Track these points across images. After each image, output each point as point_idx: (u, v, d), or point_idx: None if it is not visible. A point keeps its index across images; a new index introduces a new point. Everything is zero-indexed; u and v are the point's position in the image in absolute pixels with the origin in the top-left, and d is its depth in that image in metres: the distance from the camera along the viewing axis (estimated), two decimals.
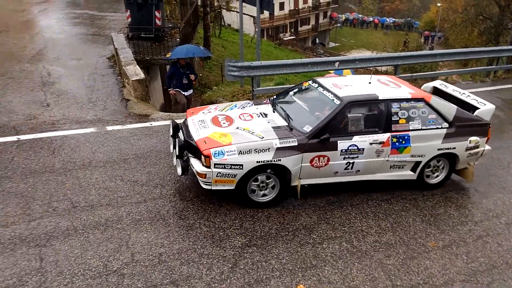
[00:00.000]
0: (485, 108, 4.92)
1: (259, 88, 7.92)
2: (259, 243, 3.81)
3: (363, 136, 4.36)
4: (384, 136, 4.43)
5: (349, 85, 4.73)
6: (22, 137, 5.52)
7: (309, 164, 4.23)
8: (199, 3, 17.02)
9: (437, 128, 4.61)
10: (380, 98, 4.48)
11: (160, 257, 3.54)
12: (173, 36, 11.68)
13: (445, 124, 4.64)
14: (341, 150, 4.29)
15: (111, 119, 6.34)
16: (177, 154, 4.24)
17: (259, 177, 4.17)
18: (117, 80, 7.98)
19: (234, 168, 3.96)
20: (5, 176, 4.58)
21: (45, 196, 4.26)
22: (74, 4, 15.00)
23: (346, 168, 4.42)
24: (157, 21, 10.80)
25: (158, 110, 8.00)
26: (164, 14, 11.77)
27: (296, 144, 4.11)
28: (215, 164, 3.92)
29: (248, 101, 5.25)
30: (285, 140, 4.09)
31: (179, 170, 4.21)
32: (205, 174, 3.97)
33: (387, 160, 4.55)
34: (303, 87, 5.12)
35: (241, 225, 4.03)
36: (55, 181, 4.53)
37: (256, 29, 9.70)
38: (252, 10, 10.95)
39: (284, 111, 4.57)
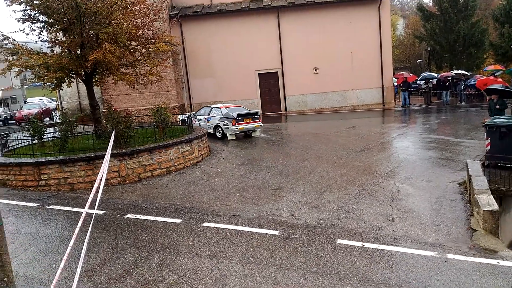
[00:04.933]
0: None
1: None
2: None
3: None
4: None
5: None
6: (366, 244, 6.02)
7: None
8: None
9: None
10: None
11: None
12: None
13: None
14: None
15: (453, 247, 5.97)
16: None
17: None
18: (465, 207, 7.56)
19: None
20: (346, 277, 5.05)
21: None
22: (431, 130, 15.87)
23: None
24: None
25: (507, 248, 6.88)
26: None
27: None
28: None
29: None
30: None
31: None
32: None
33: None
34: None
35: None
36: None
37: None
38: None
39: None
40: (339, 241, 6.15)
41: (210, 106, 16.65)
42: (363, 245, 6.01)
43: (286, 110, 24.66)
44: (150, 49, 12.17)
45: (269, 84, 24.64)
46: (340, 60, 23.71)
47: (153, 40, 12.13)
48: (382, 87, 24.09)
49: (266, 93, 24.76)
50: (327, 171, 10.26)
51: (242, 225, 6.87)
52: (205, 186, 9.53)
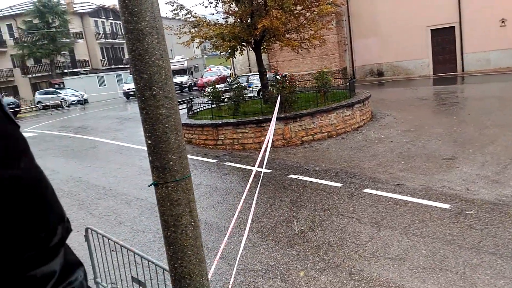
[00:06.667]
0: None
1: None
2: None
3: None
4: None
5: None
6: None
7: None
8: None
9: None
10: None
11: None
12: None
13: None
14: None
15: None
16: None
17: None
18: None
19: None
20: None
21: None
22: None
23: None
24: None
25: None
26: None
27: None
28: None
29: None
30: None
31: None
32: None
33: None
34: None
35: None
36: None
37: None
38: None
39: None
40: None
41: (246, 75, 20.59)
42: None
43: (462, 70, 21.81)
44: (314, 12, 12.15)
45: (443, 41, 22.02)
46: None
47: (317, 3, 12.05)
48: None
49: (439, 52, 22.25)
50: None
51: (407, 195, 6.51)
52: (366, 152, 9.29)
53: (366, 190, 6.89)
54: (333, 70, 20.83)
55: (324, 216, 6.07)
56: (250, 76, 19.85)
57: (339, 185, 7.29)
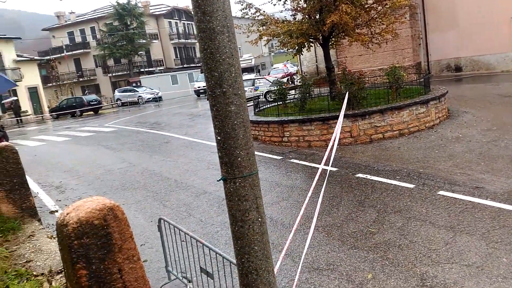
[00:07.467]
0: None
1: None
2: None
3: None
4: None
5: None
6: None
7: None
8: None
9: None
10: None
11: None
12: None
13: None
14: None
15: None
16: None
17: None
18: None
19: None
20: None
21: None
22: None
23: None
24: None
25: None
26: None
27: None
28: None
29: None
30: None
31: None
32: None
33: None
34: None
35: None
36: None
37: None
38: None
39: None
40: None
41: (251, 79, 23.33)
42: None
43: None
44: (386, 6, 11.67)
45: None
46: None
47: None
48: None
49: None
50: None
51: (486, 199, 6.03)
52: (441, 151, 8.75)
53: (441, 192, 6.49)
54: (406, 65, 19.86)
55: (394, 218, 5.83)
56: (256, 80, 22.07)
57: (411, 186, 6.95)
